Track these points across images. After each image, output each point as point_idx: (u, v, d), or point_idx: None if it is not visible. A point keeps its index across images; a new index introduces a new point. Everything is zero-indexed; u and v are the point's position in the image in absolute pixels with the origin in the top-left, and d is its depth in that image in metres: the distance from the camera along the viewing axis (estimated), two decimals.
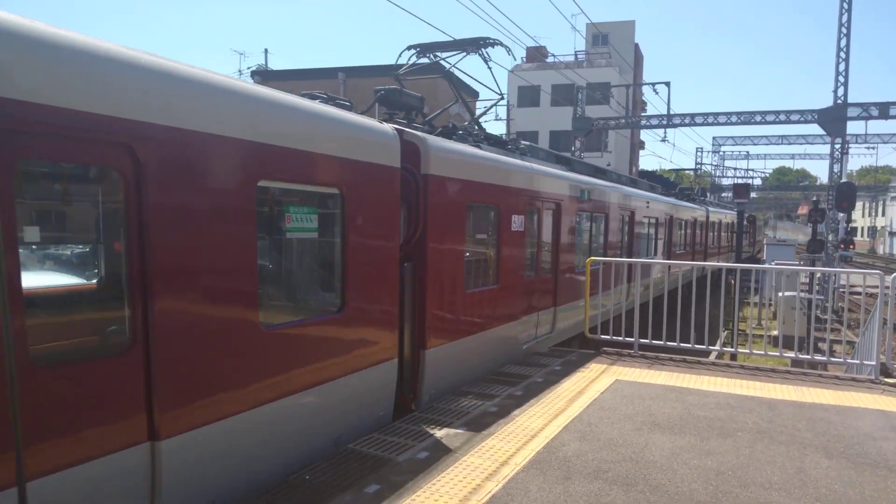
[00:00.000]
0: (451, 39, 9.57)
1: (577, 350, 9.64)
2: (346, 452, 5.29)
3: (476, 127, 9.77)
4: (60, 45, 3.54)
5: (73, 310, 4.25)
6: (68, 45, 3.58)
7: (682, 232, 22.32)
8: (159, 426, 3.99)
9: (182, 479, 4.16)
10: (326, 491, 4.60)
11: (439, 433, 5.84)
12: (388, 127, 6.54)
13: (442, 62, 9.86)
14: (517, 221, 9.00)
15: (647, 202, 16.71)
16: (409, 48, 9.49)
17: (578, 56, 49.04)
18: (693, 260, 23.87)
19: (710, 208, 29.61)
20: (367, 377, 6.04)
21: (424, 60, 9.65)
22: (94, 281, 4.45)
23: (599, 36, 48.14)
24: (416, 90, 8.79)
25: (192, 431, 4.21)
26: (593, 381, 7.64)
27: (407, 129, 7.15)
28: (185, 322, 4.19)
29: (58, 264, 4.33)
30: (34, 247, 3.98)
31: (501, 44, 9.60)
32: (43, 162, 3.65)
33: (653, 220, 17.55)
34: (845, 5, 24.11)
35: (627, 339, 9.24)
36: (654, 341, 9.11)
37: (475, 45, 9.37)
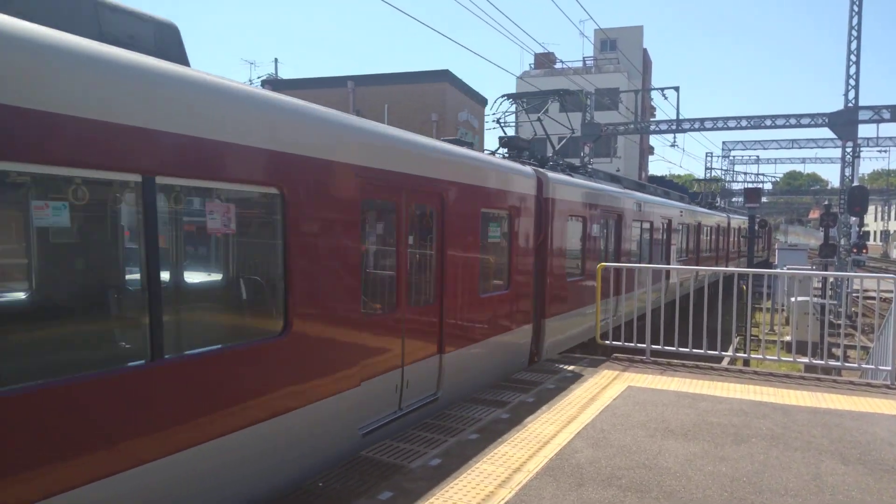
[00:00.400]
0: (538, 90, 12.81)
1: (589, 356, 9.64)
2: (361, 459, 5.30)
3: (558, 157, 12.50)
4: (438, 150, 7.14)
5: (420, 283, 7.04)
6: (435, 147, 7.12)
7: (708, 238, 24.38)
8: (444, 345, 7.11)
9: (449, 374, 7.21)
10: (343, 497, 4.61)
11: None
12: (530, 168, 9.56)
13: (526, 108, 13.20)
14: (595, 229, 11.77)
15: (681, 211, 18.77)
16: (503, 96, 12.94)
17: (587, 62, 49.06)
18: (717, 264, 25.68)
19: (731, 215, 30.06)
20: (519, 333, 8.99)
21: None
22: (427, 265, 7.16)
23: (608, 41, 48.10)
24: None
25: (453, 351, 7.26)
26: (605, 387, 7.62)
27: (535, 167, 9.83)
28: (455, 288, 7.29)
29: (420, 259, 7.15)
30: (410, 250, 6.77)
31: (578, 94, 12.50)
32: (418, 205, 6.82)
33: (685, 226, 19.88)
34: (855, 8, 24.02)
35: (639, 344, 9.22)
36: (666, 347, 9.08)
37: (557, 94, 12.51)
